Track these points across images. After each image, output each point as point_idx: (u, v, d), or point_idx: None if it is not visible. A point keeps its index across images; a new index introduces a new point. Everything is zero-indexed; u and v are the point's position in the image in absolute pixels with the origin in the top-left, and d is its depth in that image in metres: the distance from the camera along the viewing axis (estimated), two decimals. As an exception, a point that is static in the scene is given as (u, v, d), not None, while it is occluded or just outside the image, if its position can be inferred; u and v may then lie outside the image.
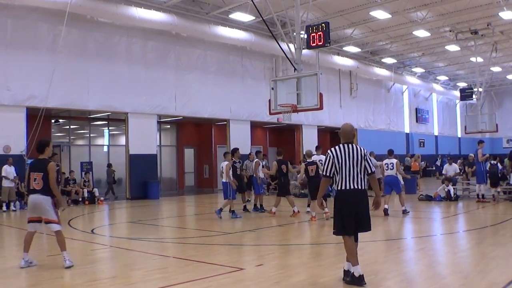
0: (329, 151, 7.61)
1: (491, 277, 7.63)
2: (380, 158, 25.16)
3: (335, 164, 7.46)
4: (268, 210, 17.35)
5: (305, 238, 12.94)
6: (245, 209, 18.06)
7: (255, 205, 18.47)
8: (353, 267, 7.27)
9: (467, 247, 11.00)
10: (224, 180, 16.38)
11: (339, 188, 7.49)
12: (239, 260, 9.87)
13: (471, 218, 16.51)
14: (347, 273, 7.45)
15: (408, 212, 16.50)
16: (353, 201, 7.41)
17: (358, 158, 7.47)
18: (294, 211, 16.48)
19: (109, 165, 26.40)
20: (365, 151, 7.65)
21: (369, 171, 7.59)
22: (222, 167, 16.45)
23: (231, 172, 16.41)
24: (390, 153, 17.51)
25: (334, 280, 7.67)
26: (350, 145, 7.56)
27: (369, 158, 7.71)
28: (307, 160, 16.40)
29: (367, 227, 7.54)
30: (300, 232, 13.91)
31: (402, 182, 19.62)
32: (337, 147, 7.59)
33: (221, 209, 16.31)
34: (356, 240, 7.55)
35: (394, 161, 17.06)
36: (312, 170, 15.90)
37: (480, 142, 21.18)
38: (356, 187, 7.42)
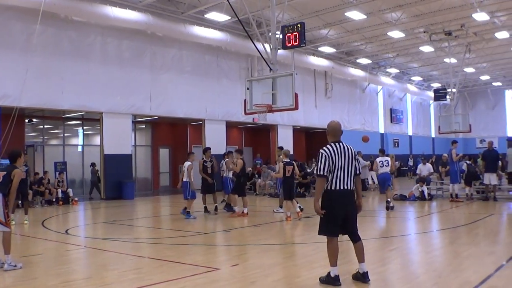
0: (322, 150, 7.45)
1: (464, 276, 7.71)
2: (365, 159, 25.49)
3: (329, 163, 7.33)
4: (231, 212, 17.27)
5: (280, 238, 12.96)
6: (206, 210, 17.84)
7: (226, 203, 18.46)
8: (331, 267, 7.27)
9: (440, 246, 11.11)
10: (185, 180, 16.53)
11: (330, 188, 7.38)
12: (214, 260, 9.86)
13: (444, 218, 16.67)
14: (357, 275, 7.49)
15: (393, 206, 16.76)
16: (343, 202, 7.36)
17: (350, 158, 7.41)
18: (236, 211, 16.91)
19: (93, 164, 26.38)
20: (355, 150, 7.59)
21: (357, 172, 7.54)
22: (185, 166, 16.58)
23: (192, 172, 16.77)
24: (383, 152, 18.06)
25: (310, 280, 7.69)
26: (341, 144, 7.48)
27: (358, 158, 7.68)
28: (285, 160, 16.45)
29: (354, 228, 7.52)
30: (275, 232, 13.93)
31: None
32: (329, 146, 7.46)
33: (185, 209, 16.39)
34: (359, 239, 7.49)
35: (389, 158, 17.48)
36: (289, 170, 15.98)
37: (454, 142, 21.41)
38: (346, 187, 7.36)
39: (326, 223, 7.41)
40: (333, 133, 7.62)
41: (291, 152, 33.37)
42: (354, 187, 7.50)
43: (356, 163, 7.49)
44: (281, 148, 19.01)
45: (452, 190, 20.79)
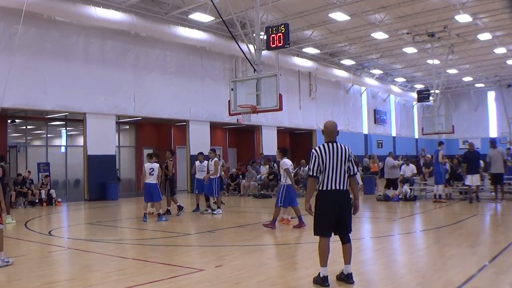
0: (313, 150, 7.46)
1: (447, 276, 7.75)
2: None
3: (319, 163, 7.34)
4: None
5: (265, 239, 12.96)
6: (168, 212, 17.88)
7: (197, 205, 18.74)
8: (321, 267, 7.28)
9: (424, 247, 11.18)
10: (153, 182, 16.37)
11: (321, 188, 7.39)
12: (198, 261, 9.84)
13: (428, 218, 16.76)
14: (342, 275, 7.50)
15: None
16: (335, 202, 7.34)
17: (343, 158, 7.36)
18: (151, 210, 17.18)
19: None
20: (350, 151, 7.52)
21: (351, 173, 7.48)
22: (151, 168, 16.33)
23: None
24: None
25: (293, 280, 7.71)
26: (335, 144, 7.43)
27: (354, 159, 7.62)
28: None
29: (348, 228, 7.53)
30: (260, 233, 13.92)
31: None
32: (321, 146, 7.46)
33: (159, 214, 16.38)
34: (349, 241, 7.49)
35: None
36: None
37: (440, 143, 21.53)
38: (338, 187, 7.33)
39: (319, 223, 7.44)
40: (327, 133, 7.60)
41: (275, 153, 33.48)
42: (348, 188, 7.48)
43: (350, 163, 7.44)
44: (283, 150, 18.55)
45: (436, 191, 20.90)
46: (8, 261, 9.08)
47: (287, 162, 13.96)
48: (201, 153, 18.99)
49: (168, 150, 18.90)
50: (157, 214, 16.43)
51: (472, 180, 20.10)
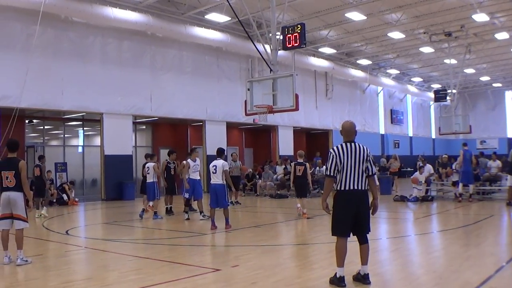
0: (331, 149, 7.44)
1: (465, 277, 7.70)
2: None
3: (337, 163, 7.32)
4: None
5: (281, 239, 12.96)
6: (167, 211, 18.12)
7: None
8: (338, 268, 7.26)
9: (441, 247, 11.09)
10: (150, 181, 16.79)
11: (339, 188, 7.37)
12: (214, 261, 9.86)
13: (445, 219, 16.66)
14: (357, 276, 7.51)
15: None
16: (353, 203, 7.32)
17: (361, 158, 7.33)
18: (148, 207, 17.24)
19: None
20: (369, 151, 7.48)
21: (370, 173, 7.44)
22: (147, 167, 16.91)
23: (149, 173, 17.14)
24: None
25: (310, 281, 7.69)
26: (353, 144, 7.40)
27: (372, 159, 7.54)
28: (298, 160, 16.70)
29: (366, 229, 7.52)
30: (276, 233, 13.93)
31: None
32: (339, 145, 7.44)
33: (155, 213, 16.68)
34: (366, 241, 7.49)
35: None
36: (300, 170, 16.24)
37: (465, 144, 21.36)
38: (357, 188, 7.31)
39: (336, 223, 7.43)
40: (345, 133, 7.59)
41: (292, 153, 33.73)
42: (367, 188, 7.45)
43: (369, 164, 7.40)
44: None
45: (462, 190, 20.60)
46: (27, 260, 9.16)
47: None
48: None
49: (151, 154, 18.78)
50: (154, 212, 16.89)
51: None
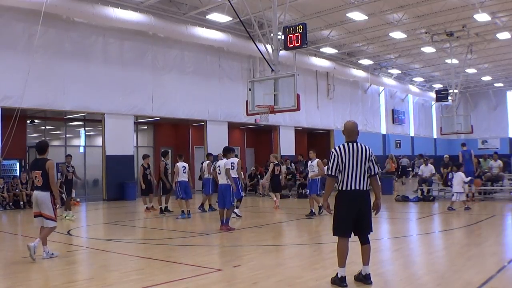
0: (333, 149, 7.44)
1: (466, 277, 7.70)
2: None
3: (338, 163, 7.30)
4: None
5: (282, 239, 12.96)
6: (161, 211, 18.45)
7: (209, 205, 19.05)
8: (339, 268, 7.26)
9: (443, 247, 11.10)
10: (183, 180, 17.17)
11: (340, 188, 7.36)
12: (216, 261, 9.86)
13: (446, 219, 16.63)
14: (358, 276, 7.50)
15: None
16: (355, 202, 7.31)
17: (363, 158, 7.31)
18: (148, 208, 18.96)
19: None
20: (371, 151, 7.46)
21: (372, 173, 7.43)
22: (184, 167, 17.21)
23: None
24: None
25: (312, 281, 7.69)
26: (355, 144, 7.39)
27: (374, 159, 7.54)
28: (275, 162, 18.46)
29: (368, 229, 7.51)
30: (278, 233, 13.93)
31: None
32: (341, 145, 7.43)
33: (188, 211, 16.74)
34: (368, 241, 7.47)
35: None
36: (277, 170, 19.53)
37: (464, 144, 21.38)
38: (358, 188, 7.29)
39: (338, 223, 7.42)
40: (347, 133, 7.57)
41: (293, 153, 34.03)
42: (368, 188, 7.43)
43: (371, 163, 7.38)
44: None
45: (469, 190, 20.59)
46: (53, 253, 9.74)
47: None
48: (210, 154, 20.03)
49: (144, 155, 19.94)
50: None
51: None
